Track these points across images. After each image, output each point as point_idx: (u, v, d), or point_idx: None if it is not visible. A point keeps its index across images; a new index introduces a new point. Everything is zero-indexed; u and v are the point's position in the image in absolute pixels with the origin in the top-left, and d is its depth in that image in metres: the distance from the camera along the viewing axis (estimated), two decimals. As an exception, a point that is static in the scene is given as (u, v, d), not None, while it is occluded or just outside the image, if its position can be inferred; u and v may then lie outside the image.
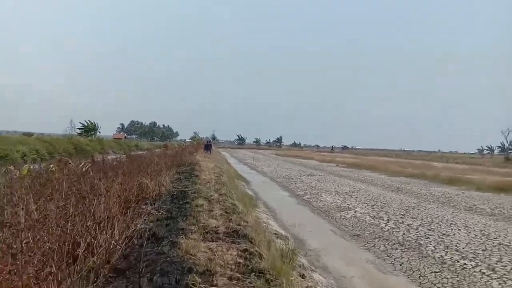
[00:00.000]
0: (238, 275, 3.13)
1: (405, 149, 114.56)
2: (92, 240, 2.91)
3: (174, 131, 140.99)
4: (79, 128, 54.62)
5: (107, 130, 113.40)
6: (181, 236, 3.98)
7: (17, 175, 7.36)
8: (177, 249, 3.54)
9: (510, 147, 63.89)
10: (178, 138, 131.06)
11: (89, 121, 55.18)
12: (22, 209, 2.37)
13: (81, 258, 2.62)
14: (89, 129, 53.88)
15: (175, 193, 7.76)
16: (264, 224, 8.01)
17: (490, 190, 15.81)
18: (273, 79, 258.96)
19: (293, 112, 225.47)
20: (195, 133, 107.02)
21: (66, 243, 2.44)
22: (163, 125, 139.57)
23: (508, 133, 59.16)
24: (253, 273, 3.23)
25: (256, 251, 3.95)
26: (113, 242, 3.08)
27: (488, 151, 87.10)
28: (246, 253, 3.81)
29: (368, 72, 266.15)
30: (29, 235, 2.17)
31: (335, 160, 39.23)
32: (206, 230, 4.52)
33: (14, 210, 2.66)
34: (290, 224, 9.31)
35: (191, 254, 3.44)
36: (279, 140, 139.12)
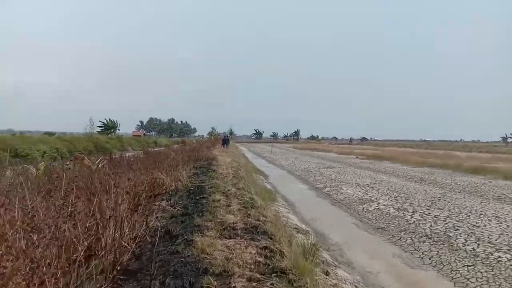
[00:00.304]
0: (258, 275, 2.88)
1: (426, 139, 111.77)
2: (95, 241, 2.70)
3: (192, 127, 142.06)
4: (99, 126, 55.57)
5: (127, 127, 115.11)
6: (196, 234, 3.76)
7: (34, 173, 7.33)
8: (192, 248, 3.32)
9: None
10: (196, 134, 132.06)
11: (109, 119, 56.06)
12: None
13: (81, 262, 2.41)
14: (108, 127, 54.73)
15: (192, 188, 7.58)
16: (284, 219, 7.75)
17: (520, 179, 15.08)
18: (288, 70, 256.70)
19: (312, 103, 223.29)
20: (212, 128, 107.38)
21: (63, 246, 2.24)
22: (181, 121, 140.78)
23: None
24: (274, 274, 2.97)
25: (276, 248, 3.69)
26: (122, 242, 2.87)
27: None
28: (266, 250, 3.56)
29: (388, 62, 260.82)
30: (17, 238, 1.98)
31: (354, 152, 38.47)
32: (223, 227, 4.29)
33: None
34: (311, 218, 9.02)
35: (207, 253, 3.21)
36: (296, 133, 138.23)
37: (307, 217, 9.11)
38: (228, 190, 7.36)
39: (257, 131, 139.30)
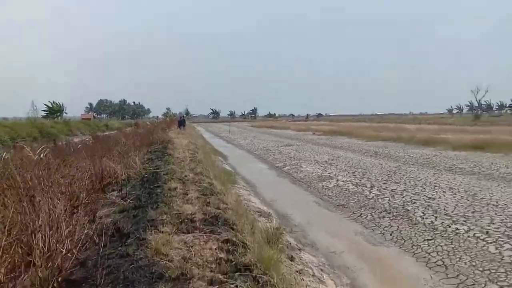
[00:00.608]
0: (220, 276, 2.59)
1: (377, 113, 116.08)
2: (28, 250, 2.28)
3: (146, 108, 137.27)
4: (43, 110, 51.95)
5: (75, 111, 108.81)
6: (150, 230, 3.39)
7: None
8: (145, 249, 2.96)
9: (479, 105, 65.95)
10: (151, 115, 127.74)
11: (53, 101, 52.53)
12: None
13: (14, 276, 2.00)
14: (54, 111, 51.37)
15: (146, 175, 7.10)
16: (245, 202, 7.54)
17: (466, 149, 15.80)
18: (245, 52, 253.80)
19: (266, 81, 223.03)
20: (167, 109, 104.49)
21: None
22: (134, 102, 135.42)
23: (478, 92, 60.67)
24: (238, 272, 2.70)
25: (239, 240, 3.42)
26: (58, 247, 2.46)
27: (457, 111, 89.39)
28: (228, 244, 3.28)
29: (338, 38, 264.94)
30: None
31: (311, 128, 38.90)
32: (181, 219, 3.94)
33: None
34: (272, 198, 8.88)
35: (162, 254, 2.87)
36: (254, 111, 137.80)
37: (269, 198, 8.96)
38: (185, 176, 6.97)
39: (214, 110, 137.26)
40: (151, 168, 8.00)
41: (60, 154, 7.56)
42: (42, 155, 7.58)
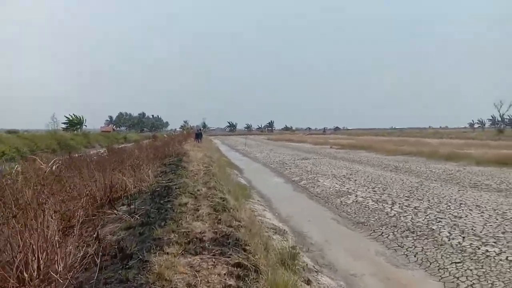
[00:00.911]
0: (228, 308, 2.30)
1: (396, 127, 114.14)
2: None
3: (164, 121, 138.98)
4: (64, 123, 53.02)
5: (96, 123, 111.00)
6: (155, 251, 3.13)
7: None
8: (147, 273, 2.70)
9: (502, 119, 64.13)
10: (169, 128, 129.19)
11: (74, 114, 53.60)
12: None
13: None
14: (74, 123, 52.34)
15: (158, 189, 6.90)
16: (260, 218, 7.23)
17: (491, 164, 15.16)
18: (261, 67, 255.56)
19: (284, 96, 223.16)
20: (185, 122, 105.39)
21: None
22: (152, 115, 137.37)
23: (501, 106, 59.03)
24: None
25: (251, 263, 3.12)
26: (51, 272, 2.22)
27: (479, 125, 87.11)
28: (239, 269, 2.98)
29: (354, 50, 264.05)
30: None
31: (329, 142, 38.39)
32: (189, 239, 3.67)
33: None
34: (288, 214, 8.54)
35: (165, 279, 2.60)
36: (270, 124, 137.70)
37: (284, 214, 8.63)
38: (198, 191, 6.73)
39: (230, 123, 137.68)
40: (164, 181, 7.81)
41: (72, 166, 7.45)
42: (54, 167, 7.50)
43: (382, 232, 6.91)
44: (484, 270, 4.89)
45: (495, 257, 5.26)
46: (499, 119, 65.82)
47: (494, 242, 5.84)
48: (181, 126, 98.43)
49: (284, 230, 6.92)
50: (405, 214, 7.89)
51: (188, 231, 3.94)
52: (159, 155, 11.84)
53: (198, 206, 5.49)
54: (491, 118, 77.95)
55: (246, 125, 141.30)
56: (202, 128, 49.00)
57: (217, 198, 6.33)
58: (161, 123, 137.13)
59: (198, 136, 28.61)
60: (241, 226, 4.68)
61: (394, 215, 7.94)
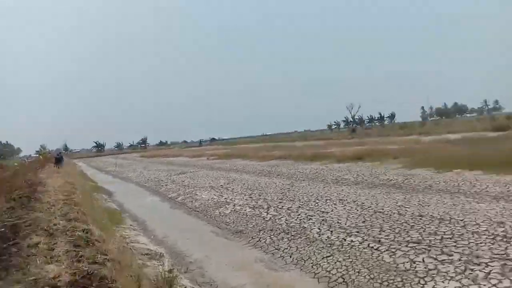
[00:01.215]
0: None
1: (266, 134, 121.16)
2: None
3: (16, 147, 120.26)
4: None
5: None
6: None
7: None
8: None
9: (354, 120, 74.24)
10: (21, 154, 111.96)
11: None
12: None
13: None
14: None
15: (1, 229, 5.66)
16: (133, 245, 6.60)
17: (348, 160, 17.06)
18: (129, 80, 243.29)
19: (156, 111, 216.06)
20: (41, 146, 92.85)
21: None
22: (0, 141, 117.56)
23: (352, 108, 68.10)
24: None
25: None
26: None
27: (335, 126, 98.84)
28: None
29: (214, 65, 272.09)
30: None
31: (205, 153, 38.45)
32: (36, 288, 2.97)
33: None
34: (165, 235, 8.05)
35: None
36: (143, 141, 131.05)
37: (161, 235, 8.10)
38: (55, 225, 5.73)
39: (97, 143, 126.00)
40: (11, 220, 6.49)
41: None
42: None
43: (260, 238, 7.01)
44: (350, 260, 5.28)
45: (359, 246, 5.74)
46: (351, 119, 75.85)
47: (357, 232, 6.39)
48: (37, 151, 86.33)
49: (161, 253, 6.44)
50: (280, 216, 8.19)
51: (38, 278, 3.22)
52: (5, 189, 9.93)
53: (54, 244, 4.64)
54: (345, 119, 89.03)
55: (116, 144, 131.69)
56: (62, 151, 43.72)
57: (79, 230, 5.50)
58: (11, 149, 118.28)
59: (59, 160, 25.35)
60: (108, 260, 4.09)
61: (270, 218, 8.18)
